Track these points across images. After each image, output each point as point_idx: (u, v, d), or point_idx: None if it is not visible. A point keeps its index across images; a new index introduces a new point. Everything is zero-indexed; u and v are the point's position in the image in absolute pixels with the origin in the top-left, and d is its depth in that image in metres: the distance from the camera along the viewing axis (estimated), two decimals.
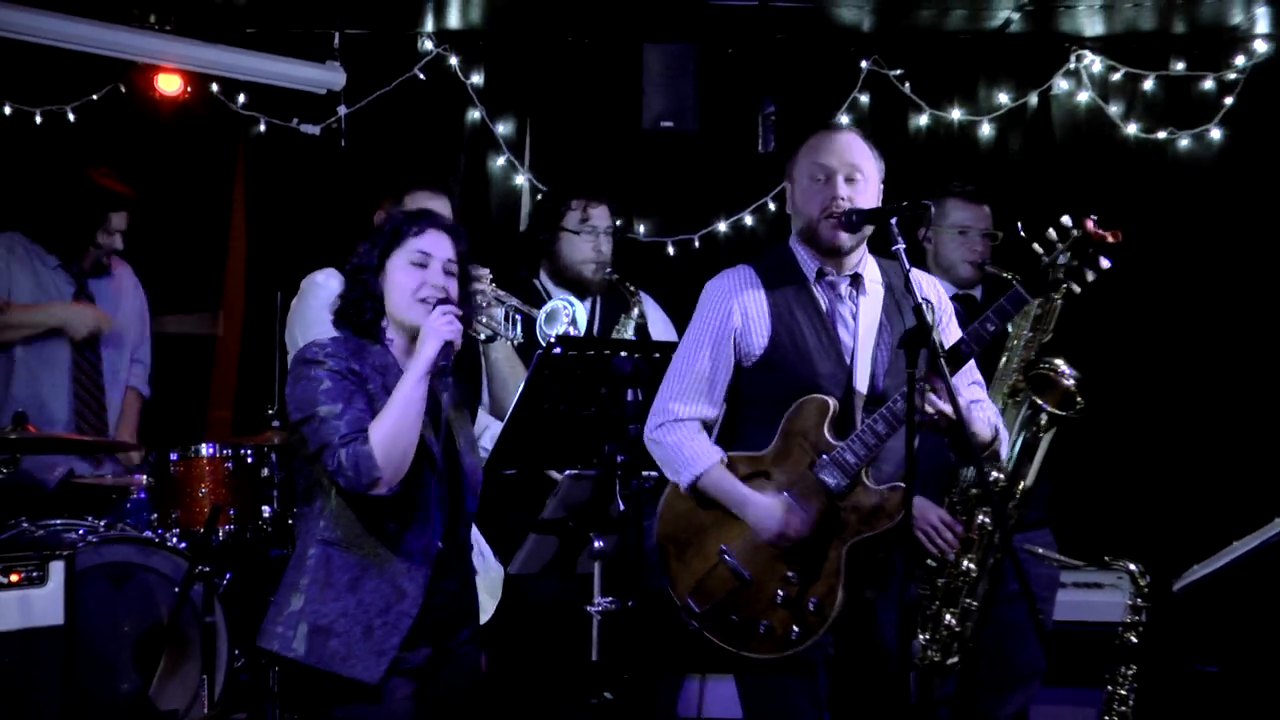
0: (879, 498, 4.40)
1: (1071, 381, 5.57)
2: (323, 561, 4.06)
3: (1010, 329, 5.61)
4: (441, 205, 5.77)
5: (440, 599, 4.13)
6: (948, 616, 5.45)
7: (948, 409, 4.22)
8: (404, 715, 4.07)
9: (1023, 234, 4.46)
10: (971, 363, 4.63)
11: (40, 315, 6.47)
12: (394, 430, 3.97)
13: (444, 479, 4.15)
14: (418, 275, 4.14)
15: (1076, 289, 4.40)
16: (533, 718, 5.98)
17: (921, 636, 5.34)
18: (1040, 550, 6.06)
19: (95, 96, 7.35)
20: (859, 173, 4.52)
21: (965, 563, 5.44)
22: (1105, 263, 4.34)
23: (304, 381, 4.05)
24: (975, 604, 5.47)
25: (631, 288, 6.08)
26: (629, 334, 5.97)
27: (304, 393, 4.04)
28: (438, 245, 4.19)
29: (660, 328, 6.15)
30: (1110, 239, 4.33)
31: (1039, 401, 5.56)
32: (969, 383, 4.60)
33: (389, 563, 4.05)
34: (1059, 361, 5.59)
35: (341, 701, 4.02)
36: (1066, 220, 4.36)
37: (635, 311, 6.06)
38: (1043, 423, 5.57)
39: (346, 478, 3.95)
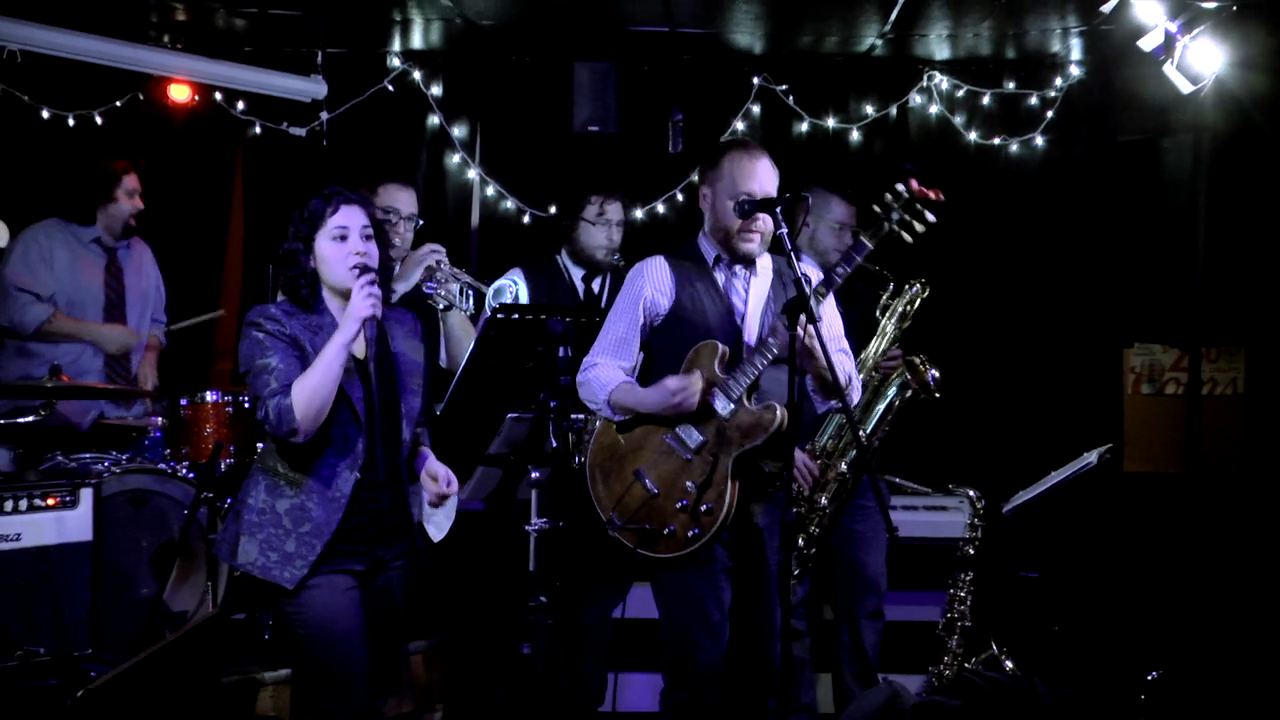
0: (755, 416, 4.50)
1: (931, 378, 5.67)
2: (259, 485, 4.10)
3: (880, 319, 5.71)
4: (408, 195, 5.74)
5: (368, 517, 4.12)
6: (799, 540, 5.52)
7: (817, 347, 4.30)
8: (342, 607, 4.07)
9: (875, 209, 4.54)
10: (841, 333, 4.74)
11: (81, 330, 6.46)
12: (313, 390, 3.94)
13: (366, 421, 4.10)
14: (342, 248, 4.09)
15: (908, 239, 4.52)
16: (481, 617, 5.99)
17: None
18: (898, 479, 6.13)
19: (119, 103, 7.25)
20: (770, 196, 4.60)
21: (822, 499, 5.50)
22: (930, 216, 4.46)
23: (247, 340, 4.05)
24: (819, 531, 5.53)
25: None
26: None
27: (246, 350, 4.04)
28: (352, 217, 4.12)
29: None
30: (932, 196, 4.44)
31: (910, 379, 5.65)
32: (837, 349, 4.66)
33: (313, 490, 4.05)
34: (930, 364, 5.69)
35: (283, 599, 4.05)
36: (899, 186, 4.46)
37: None
38: (907, 396, 5.66)
39: (271, 425, 3.96)
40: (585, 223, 5.89)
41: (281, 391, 3.95)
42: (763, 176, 4.60)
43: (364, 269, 4.05)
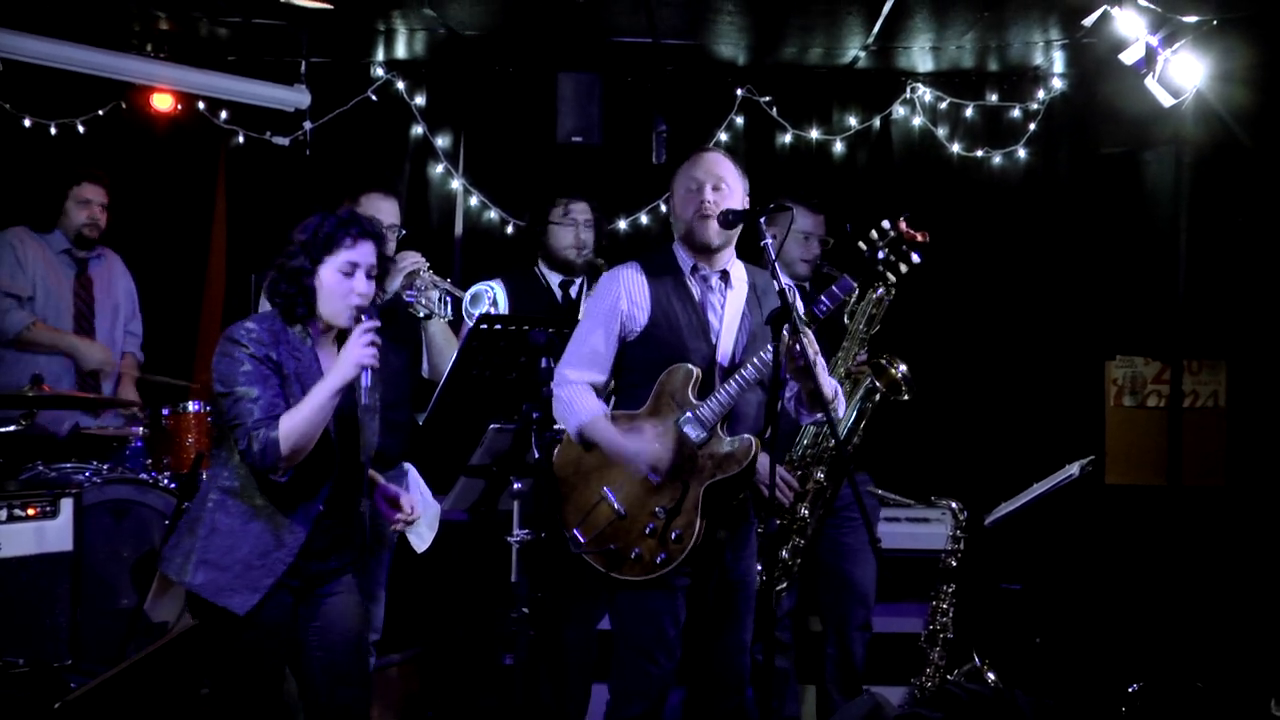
0: (730, 447, 4.48)
1: (900, 374, 5.65)
2: (218, 506, 3.97)
3: (848, 324, 5.68)
4: (391, 205, 5.72)
5: (320, 536, 4.04)
6: (783, 552, 5.51)
7: (810, 351, 4.28)
8: (278, 630, 4.01)
9: (848, 230, 4.54)
10: (818, 349, 4.71)
11: (59, 340, 6.43)
12: (301, 429, 3.86)
13: (337, 452, 4.04)
14: (347, 283, 3.99)
15: (892, 278, 4.52)
16: (462, 629, 5.98)
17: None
18: (880, 491, 6.12)
19: (101, 112, 7.25)
20: (723, 182, 4.59)
21: (801, 509, 5.49)
22: (916, 258, 4.46)
23: (227, 359, 3.93)
24: (804, 542, 5.52)
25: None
26: None
27: (226, 369, 3.92)
28: (365, 254, 4.02)
29: None
30: (920, 238, 4.44)
31: (876, 383, 5.63)
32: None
33: (274, 516, 3.96)
34: (897, 360, 5.67)
35: (224, 620, 3.95)
36: (885, 224, 4.45)
37: None
38: (876, 400, 5.64)
39: (253, 457, 3.85)
40: (552, 225, 5.92)
41: (266, 423, 3.86)
42: (708, 164, 4.62)
43: (363, 311, 4.00)
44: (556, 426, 4.70)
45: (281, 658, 4.08)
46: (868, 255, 4.48)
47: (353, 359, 3.93)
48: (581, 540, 4.54)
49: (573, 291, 5.97)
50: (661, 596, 4.51)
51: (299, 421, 3.87)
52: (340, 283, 4.01)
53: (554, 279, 5.96)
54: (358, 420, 4.14)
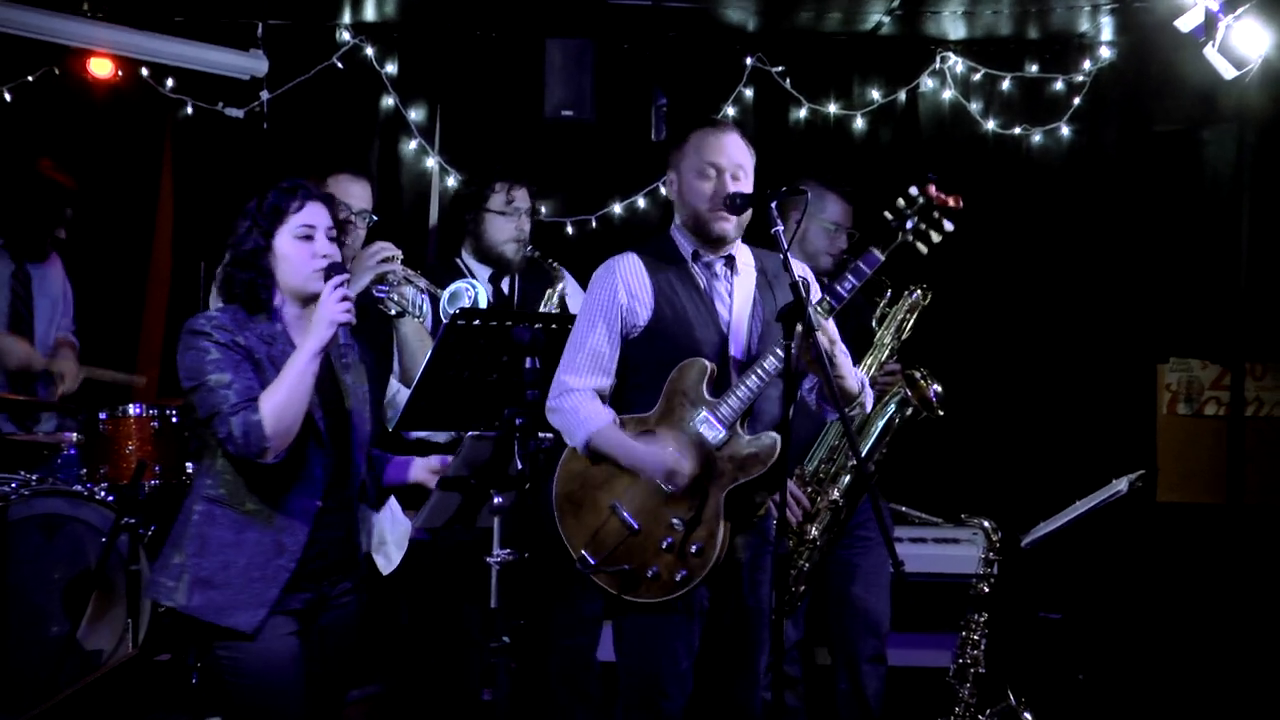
0: (754, 447, 4.45)
1: (933, 392, 5.62)
2: (206, 518, 3.98)
3: (877, 329, 5.66)
4: (361, 188, 5.71)
5: (321, 549, 4.06)
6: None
7: (825, 342, 4.27)
8: (284, 654, 4.01)
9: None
10: (839, 338, 4.66)
11: None
12: (284, 402, 3.88)
13: (327, 442, 4.06)
14: (307, 248, 4.03)
15: (923, 249, 4.47)
16: (435, 659, 5.94)
17: None
18: (903, 509, 6.09)
19: (30, 78, 7.17)
20: (742, 170, 4.59)
21: (812, 530, 5.45)
22: (949, 225, 4.43)
23: (192, 351, 3.94)
24: (809, 566, 5.47)
25: (554, 264, 5.99)
26: (553, 308, 5.89)
27: (193, 362, 3.93)
28: (318, 215, 4.08)
29: (576, 302, 6.08)
30: (951, 203, 4.41)
31: (909, 395, 5.60)
32: (839, 353, 4.60)
33: (270, 520, 3.98)
34: (932, 378, 5.64)
35: (223, 643, 3.97)
36: (914, 190, 4.42)
37: (559, 287, 5.97)
38: (908, 413, 5.61)
39: (236, 444, 3.87)
40: (491, 214, 5.91)
41: (246, 407, 3.87)
42: (731, 149, 4.58)
43: (333, 269, 4.03)
44: (542, 434, 4.66)
45: (295, 695, 4.07)
46: (895, 225, 4.44)
47: (327, 317, 3.96)
48: (592, 561, 4.52)
49: (504, 286, 5.95)
50: (678, 622, 4.50)
51: (280, 395, 3.90)
52: (299, 249, 4.05)
53: (482, 272, 5.92)
54: (343, 402, 4.17)
